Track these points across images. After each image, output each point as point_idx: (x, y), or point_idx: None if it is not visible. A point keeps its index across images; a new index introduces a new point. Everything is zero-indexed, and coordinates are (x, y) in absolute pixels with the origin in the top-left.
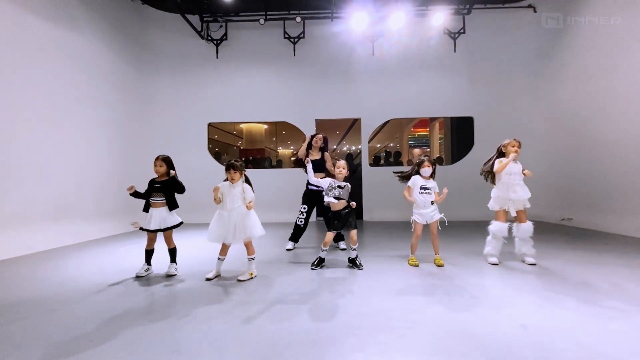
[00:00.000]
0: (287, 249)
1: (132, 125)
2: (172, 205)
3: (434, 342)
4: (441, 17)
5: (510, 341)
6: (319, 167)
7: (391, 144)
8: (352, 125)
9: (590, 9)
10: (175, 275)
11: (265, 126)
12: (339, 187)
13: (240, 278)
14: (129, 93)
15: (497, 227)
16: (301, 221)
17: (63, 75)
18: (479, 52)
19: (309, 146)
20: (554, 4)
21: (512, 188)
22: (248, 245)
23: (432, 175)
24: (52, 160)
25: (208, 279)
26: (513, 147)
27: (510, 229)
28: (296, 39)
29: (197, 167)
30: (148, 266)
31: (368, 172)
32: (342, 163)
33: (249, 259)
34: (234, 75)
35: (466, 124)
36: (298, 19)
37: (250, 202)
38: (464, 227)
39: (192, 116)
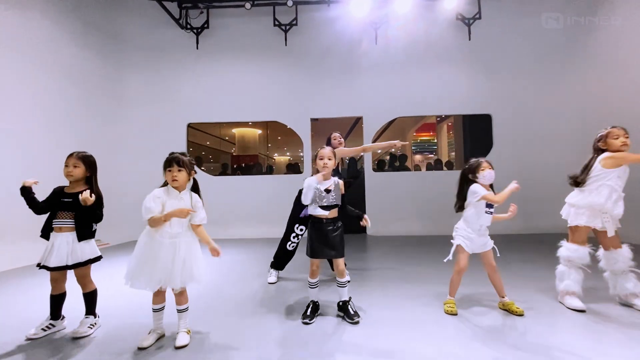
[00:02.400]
0: (270, 283)
1: (97, 127)
2: (84, 233)
3: None
4: (453, 1)
5: None
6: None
7: (392, 149)
8: (353, 126)
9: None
10: (88, 335)
11: (259, 131)
12: (327, 190)
13: (178, 344)
14: (94, 89)
15: (574, 251)
16: (292, 245)
17: (10, 67)
18: (497, 40)
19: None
20: None
21: (618, 199)
22: (181, 292)
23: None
24: None
25: (142, 348)
26: (616, 138)
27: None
28: (288, 27)
29: None
30: (51, 321)
31: (371, 179)
32: (326, 152)
33: (180, 311)
34: (217, 69)
35: (482, 122)
36: (290, 3)
37: (198, 225)
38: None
39: (169, 116)
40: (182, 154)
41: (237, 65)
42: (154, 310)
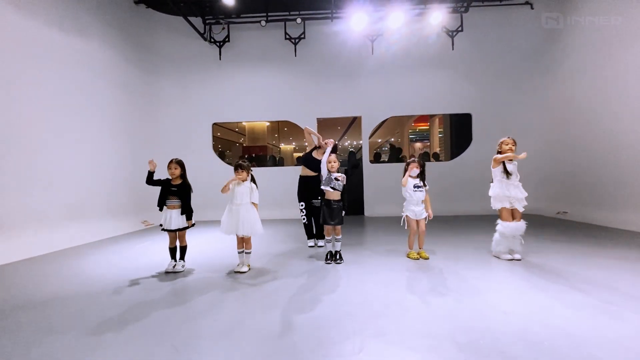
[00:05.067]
0: (310, 246)
1: (139, 127)
2: (185, 209)
3: (423, 326)
4: (439, 16)
5: (490, 326)
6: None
7: (392, 139)
8: (352, 123)
9: (589, 8)
10: (182, 271)
11: (268, 123)
12: (336, 179)
13: (240, 270)
14: (136, 95)
15: (505, 227)
16: (304, 218)
17: (73, 80)
18: (477, 49)
19: (318, 146)
20: (550, 1)
21: (506, 188)
22: (247, 241)
23: (421, 176)
24: (64, 162)
25: (240, 272)
26: (507, 145)
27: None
28: (297, 40)
29: (203, 167)
30: (175, 262)
31: (369, 169)
32: (332, 157)
33: (247, 253)
34: (237, 76)
35: (465, 120)
36: (298, 19)
37: (254, 203)
38: (462, 222)
39: (196, 116)
40: (243, 160)
41: (254, 73)
42: (239, 252)
